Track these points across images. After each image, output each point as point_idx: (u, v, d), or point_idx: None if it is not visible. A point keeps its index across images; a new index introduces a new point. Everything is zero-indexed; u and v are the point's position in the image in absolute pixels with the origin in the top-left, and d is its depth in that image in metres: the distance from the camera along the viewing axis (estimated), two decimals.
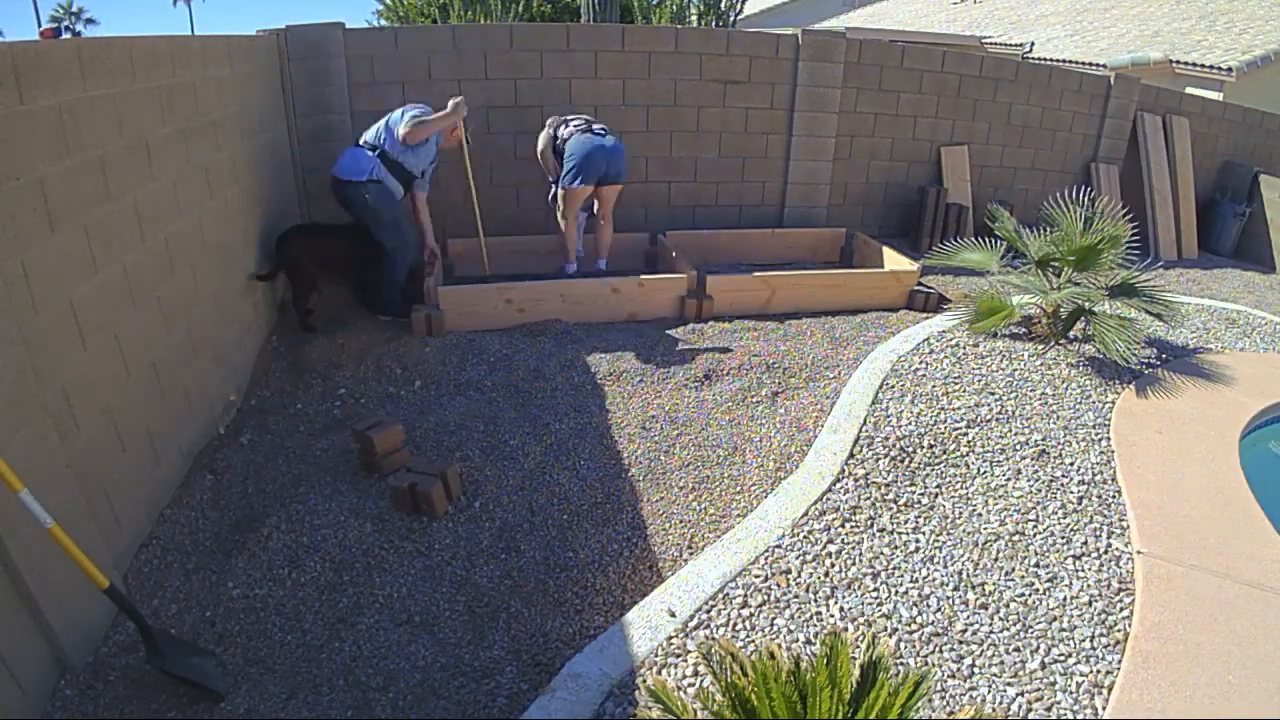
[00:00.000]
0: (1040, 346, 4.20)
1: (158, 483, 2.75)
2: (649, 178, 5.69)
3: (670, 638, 2.20)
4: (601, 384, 3.74)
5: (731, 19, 9.74)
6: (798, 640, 2.23)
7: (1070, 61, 10.37)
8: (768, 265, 5.42)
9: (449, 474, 2.81)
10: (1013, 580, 2.52)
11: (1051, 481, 3.04)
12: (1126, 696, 2.06)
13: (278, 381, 3.72)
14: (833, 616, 2.33)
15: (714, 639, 2.16)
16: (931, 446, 3.21)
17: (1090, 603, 2.42)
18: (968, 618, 2.35)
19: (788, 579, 2.46)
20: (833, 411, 3.46)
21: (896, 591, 2.44)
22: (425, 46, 5.00)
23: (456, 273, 5.12)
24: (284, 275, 4.20)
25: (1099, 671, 2.16)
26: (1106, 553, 2.65)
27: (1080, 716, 2.03)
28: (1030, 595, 2.45)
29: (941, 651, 2.22)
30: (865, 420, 3.34)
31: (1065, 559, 2.62)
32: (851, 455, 3.11)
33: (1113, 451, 3.26)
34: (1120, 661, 2.19)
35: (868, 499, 2.88)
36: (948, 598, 2.42)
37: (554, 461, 3.13)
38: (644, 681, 2.04)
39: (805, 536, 2.66)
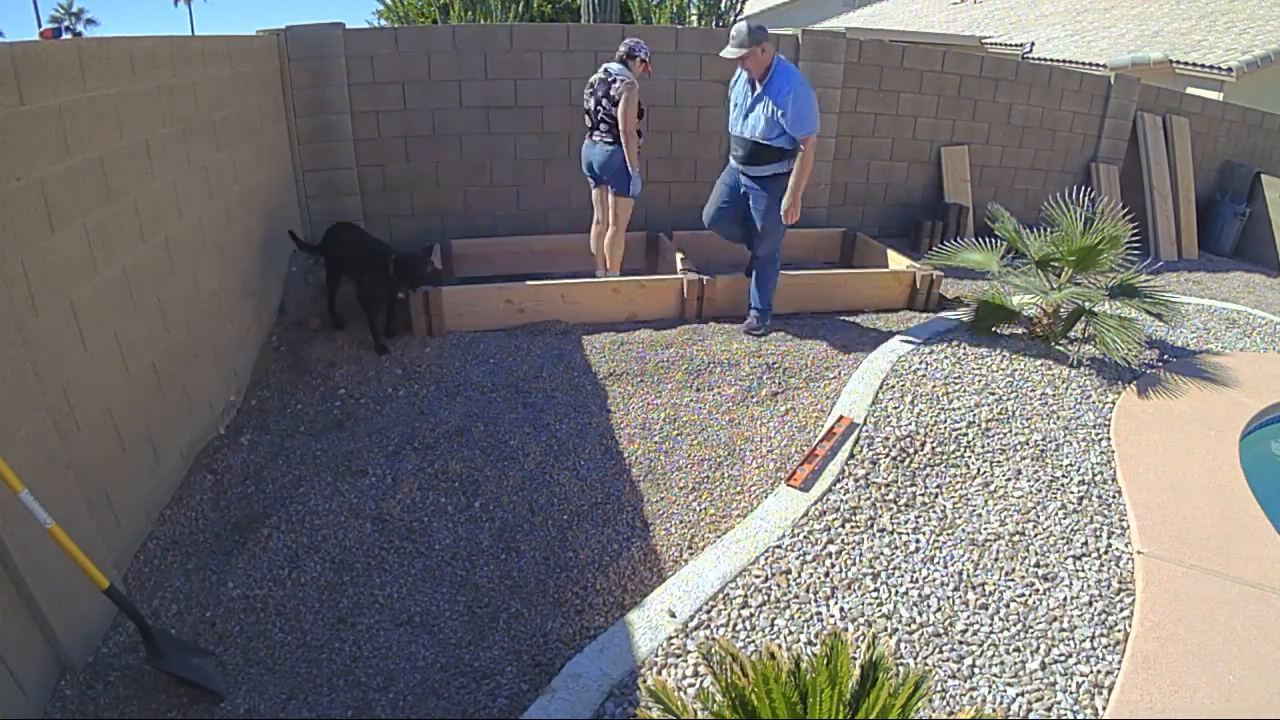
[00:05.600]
0: (1041, 347, 4.20)
1: (158, 483, 2.75)
2: (649, 178, 5.67)
3: (670, 638, 2.20)
4: (601, 384, 3.74)
5: (731, 19, 9.74)
6: (798, 640, 2.23)
7: (1070, 61, 10.37)
8: None
9: None
10: (1013, 580, 2.52)
11: (1052, 482, 3.04)
12: (1127, 697, 2.06)
13: (278, 381, 3.72)
14: (833, 617, 2.33)
15: (714, 639, 2.16)
16: (932, 447, 3.21)
17: (1090, 603, 2.42)
18: (968, 618, 2.35)
19: (788, 579, 2.46)
20: (833, 412, 3.45)
21: (897, 592, 2.44)
22: (425, 46, 5.00)
23: (457, 274, 5.12)
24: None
25: (1099, 672, 2.16)
26: (1107, 553, 2.65)
27: (1080, 717, 2.03)
28: (1030, 595, 2.45)
29: (942, 652, 2.22)
30: (865, 420, 3.34)
31: (1065, 559, 2.62)
32: (852, 455, 3.11)
33: (1113, 452, 3.26)
34: (1120, 662, 2.19)
35: (868, 499, 2.87)
36: (948, 598, 2.42)
37: (554, 461, 3.13)
38: (644, 682, 2.04)
39: (805, 537, 2.66)
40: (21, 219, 2.02)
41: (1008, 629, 2.31)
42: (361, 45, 4.88)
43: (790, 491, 2.89)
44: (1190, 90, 8.40)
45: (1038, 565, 2.59)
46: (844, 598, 2.41)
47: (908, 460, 3.12)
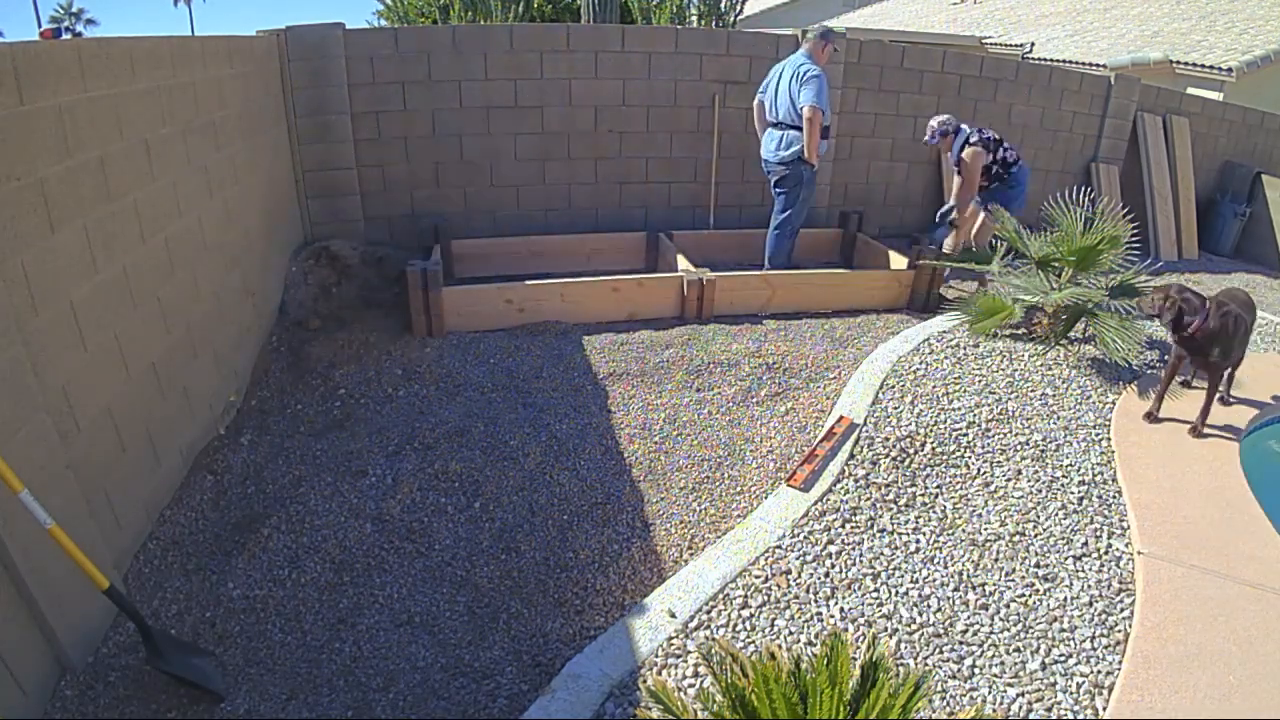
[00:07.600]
0: (1040, 347, 4.20)
1: (158, 483, 2.74)
2: (649, 178, 5.69)
3: (670, 638, 2.19)
4: (602, 384, 3.74)
5: (731, 19, 9.73)
6: (798, 641, 2.23)
7: (1070, 62, 10.36)
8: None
9: None
10: (1013, 580, 2.52)
11: (1052, 482, 3.04)
12: (1127, 697, 2.06)
13: (278, 381, 3.72)
14: (833, 617, 2.33)
15: (714, 639, 2.16)
16: (932, 447, 3.20)
17: (1091, 603, 2.42)
18: (968, 618, 2.35)
19: (788, 579, 2.46)
20: (833, 412, 3.45)
21: (897, 592, 2.44)
22: (425, 47, 5.00)
23: (457, 274, 5.12)
24: None
25: (1099, 672, 2.16)
26: (1107, 553, 2.65)
27: (1081, 717, 2.03)
28: (1030, 596, 2.45)
29: (942, 652, 2.22)
30: (865, 421, 3.34)
31: (1066, 559, 2.62)
32: (852, 455, 3.11)
33: (1113, 452, 3.25)
34: (1120, 662, 2.19)
35: (868, 499, 2.87)
36: (948, 598, 2.42)
37: (554, 461, 3.13)
38: (644, 682, 2.04)
39: (805, 537, 2.65)
40: (21, 219, 2.01)
41: (1008, 629, 2.31)
42: (361, 45, 4.88)
43: (790, 492, 2.89)
44: (1190, 90, 8.40)
45: (1038, 565, 2.59)
46: (844, 598, 2.41)
47: (908, 460, 3.12)
